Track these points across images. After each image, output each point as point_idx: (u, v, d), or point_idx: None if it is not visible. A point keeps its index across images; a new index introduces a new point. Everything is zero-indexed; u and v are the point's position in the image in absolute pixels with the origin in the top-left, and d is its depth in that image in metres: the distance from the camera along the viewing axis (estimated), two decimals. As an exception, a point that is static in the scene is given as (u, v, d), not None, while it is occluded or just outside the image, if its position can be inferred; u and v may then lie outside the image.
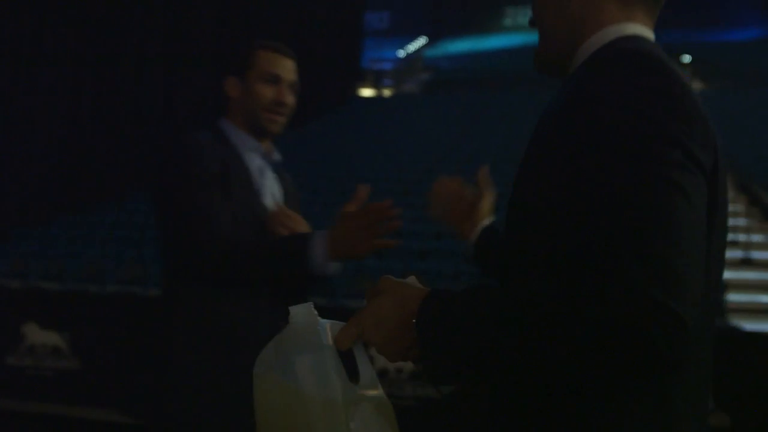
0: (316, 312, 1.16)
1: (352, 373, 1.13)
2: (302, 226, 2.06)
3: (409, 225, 8.83)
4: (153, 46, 11.66)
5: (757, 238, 8.45)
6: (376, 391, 1.14)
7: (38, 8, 9.78)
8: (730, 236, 7.75)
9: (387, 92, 22.33)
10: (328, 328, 1.14)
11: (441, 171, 9.28)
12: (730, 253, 7.61)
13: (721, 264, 1.17)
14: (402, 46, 26.08)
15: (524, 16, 28.04)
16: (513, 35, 27.04)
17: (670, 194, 0.97)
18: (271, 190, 2.15)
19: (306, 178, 11.59)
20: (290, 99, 2.14)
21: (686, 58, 20.53)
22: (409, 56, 25.25)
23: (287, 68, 2.14)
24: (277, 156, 2.20)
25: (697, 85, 19.92)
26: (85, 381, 5.33)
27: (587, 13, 1.23)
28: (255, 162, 2.13)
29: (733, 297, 6.97)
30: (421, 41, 26.89)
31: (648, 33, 1.23)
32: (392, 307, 1.11)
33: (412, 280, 1.18)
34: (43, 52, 9.88)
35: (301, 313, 1.14)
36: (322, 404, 1.08)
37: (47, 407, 5.40)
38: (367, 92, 21.58)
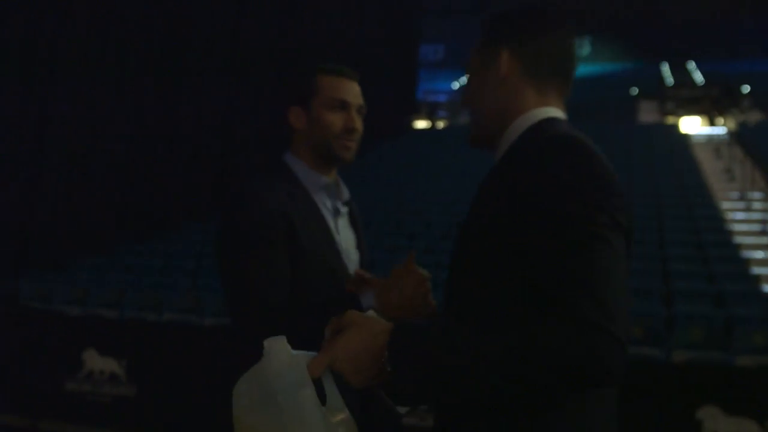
0: (289, 345, 1.23)
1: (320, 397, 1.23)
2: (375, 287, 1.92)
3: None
4: (213, 78, 11.91)
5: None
6: (344, 415, 1.23)
7: (104, 39, 10.08)
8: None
9: (441, 123, 22.38)
10: (300, 359, 1.22)
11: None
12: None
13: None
14: (456, 77, 26.15)
15: (582, 46, 27.91)
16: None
17: (602, 247, 1.24)
18: (344, 234, 2.07)
19: (360, 209, 11.64)
20: (359, 124, 2.04)
21: (745, 89, 20.17)
22: (463, 88, 25.31)
23: (353, 92, 2.04)
24: (345, 192, 2.12)
25: (755, 116, 19.53)
26: (141, 407, 5.40)
27: (510, 102, 1.49)
28: (327, 203, 2.04)
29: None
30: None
31: (560, 114, 1.51)
32: (362, 340, 1.26)
33: (372, 314, 1.33)
34: (104, 85, 10.17)
35: (276, 346, 1.21)
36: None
37: (103, 433, 5.49)
38: (421, 124, 21.66)
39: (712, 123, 19.82)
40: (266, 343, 1.22)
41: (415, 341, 1.25)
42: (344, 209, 2.12)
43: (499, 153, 1.50)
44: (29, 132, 9.43)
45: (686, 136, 17.85)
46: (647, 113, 22.76)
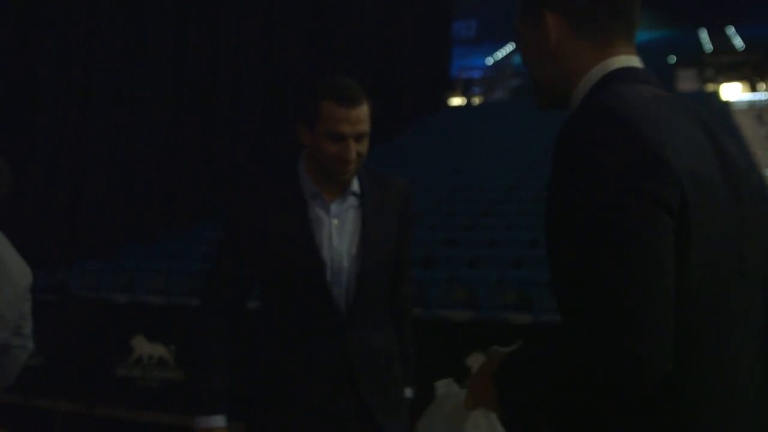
0: (455, 384, 1.42)
1: None
2: None
3: (502, 233, 8.78)
4: (250, 68, 11.99)
5: None
6: None
7: (141, 46, 10.21)
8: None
9: (476, 100, 22.26)
10: (460, 395, 1.38)
11: (534, 176, 9.24)
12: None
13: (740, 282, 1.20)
14: (490, 53, 25.95)
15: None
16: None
17: (629, 240, 1.07)
18: (336, 240, 2.21)
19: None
20: (355, 152, 2.13)
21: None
22: (497, 63, 25.11)
23: (352, 121, 2.10)
24: (350, 199, 2.25)
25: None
26: (189, 390, 5.52)
27: (569, 64, 1.35)
28: (315, 211, 2.20)
29: None
30: (509, 48, 26.70)
31: (627, 60, 1.33)
32: (484, 368, 1.31)
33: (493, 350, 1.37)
34: (146, 83, 10.30)
35: (443, 386, 1.42)
36: None
37: (154, 416, 5.61)
38: (456, 101, 21.57)
39: (753, 89, 19.44)
40: (437, 384, 1.43)
41: (509, 365, 1.24)
42: (335, 216, 2.23)
43: None
44: (74, 126, 9.60)
45: (727, 104, 17.55)
46: (686, 81, 22.38)
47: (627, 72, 1.31)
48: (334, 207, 2.21)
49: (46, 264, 8.28)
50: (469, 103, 21.71)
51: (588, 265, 1.09)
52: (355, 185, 2.25)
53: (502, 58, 25.60)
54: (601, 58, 1.33)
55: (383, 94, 15.58)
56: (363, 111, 2.13)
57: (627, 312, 1.05)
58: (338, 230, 2.20)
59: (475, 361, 4.78)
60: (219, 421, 2.22)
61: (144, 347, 5.71)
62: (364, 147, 2.16)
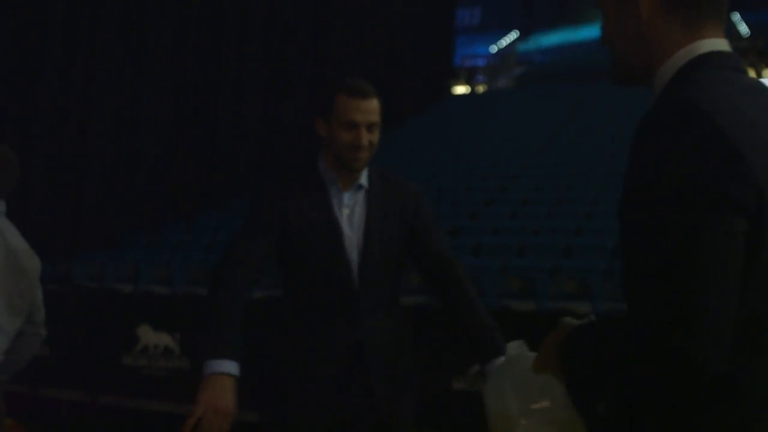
0: (525, 346, 1.48)
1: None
2: None
3: (506, 221, 8.78)
4: (253, 58, 11.97)
5: None
6: (546, 403, 1.38)
7: (143, 27, 10.20)
8: None
9: (480, 88, 22.20)
10: (530, 358, 1.42)
11: (537, 165, 9.23)
12: None
13: None
14: (494, 41, 25.87)
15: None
16: (608, 24, 26.38)
17: (695, 236, 1.08)
18: (350, 216, 2.43)
19: (404, 176, 11.65)
20: (367, 140, 2.35)
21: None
22: (501, 51, 25.03)
23: (363, 111, 2.35)
24: (361, 184, 2.46)
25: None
26: (195, 379, 5.54)
27: (655, 44, 1.32)
28: (335, 195, 2.42)
29: None
30: (513, 36, 26.61)
31: (716, 43, 1.30)
32: (554, 336, 1.34)
33: (566, 320, 1.40)
34: (150, 67, 10.30)
35: (515, 347, 1.48)
36: (500, 417, 1.41)
37: (160, 405, 5.64)
38: (460, 89, 21.51)
39: (759, 75, 19.38)
40: (508, 345, 1.49)
41: (573, 338, 1.27)
42: (346, 206, 2.44)
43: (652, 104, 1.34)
44: (76, 117, 9.61)
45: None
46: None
47: (716, 57, 1.29)
48: (346, 197, 2.42)
49: (50, 255, 8.30)
50: (472, 92, 21.65)
51: (658, 261, 1.10)
52: (365, 180, 2.45)
53: (506, 46, 25.52)
54: (689, 40, 1.30)
55: (386, 83, 15.55)
56: (373, 104, 2.37)
57: (687, 312, 1.07)
58: (348, 220, 2.40)
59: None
60: (231, 366, 2.15)
61: (150, 336, 5.73)
62: (375, 137, 2.38)
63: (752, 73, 20.05)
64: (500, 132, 14.62)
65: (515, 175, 11.10)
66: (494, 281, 6.51)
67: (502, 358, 2.20)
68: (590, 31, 26.59)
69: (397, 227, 2.45)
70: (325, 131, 2.40)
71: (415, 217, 2.49)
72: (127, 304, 6.25)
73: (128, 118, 10.07)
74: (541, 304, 5.91)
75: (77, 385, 5.87)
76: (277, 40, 12.40)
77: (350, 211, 2.42)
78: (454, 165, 12.12)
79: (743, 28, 27.33)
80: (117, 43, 9.93)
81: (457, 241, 8.14)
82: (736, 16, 29.97)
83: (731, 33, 26.61)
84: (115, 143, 9.94)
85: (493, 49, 25.01)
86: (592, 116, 14.97)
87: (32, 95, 9.15)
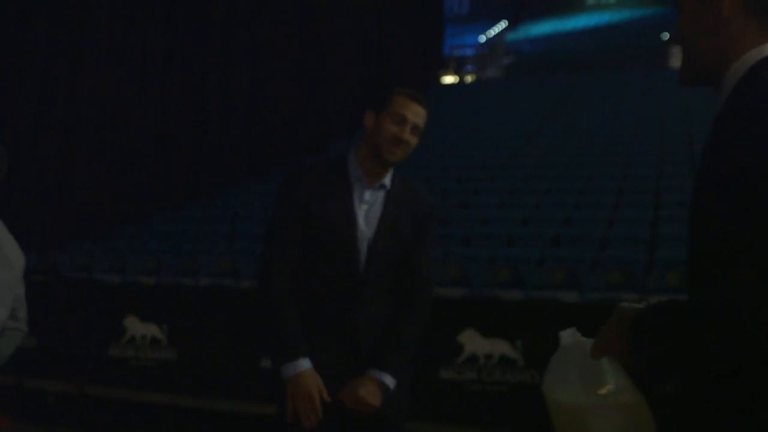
0: (578, 333, 1.46)
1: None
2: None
3: (494, 211, 8.79)
4: (240, 47, 11.91)
5: None
6: (611, 387, 1.36)
7: (132, 13, 10.12)
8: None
9: (469, 78, 22.19)
10: (586, 344, 1.41)
11: (526, 155, 9.21)
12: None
13: None
14: (483, 31, 25.84)
15: (608, -7, 27.38)
16: (595, 14, 26.41)
17: None
18: (367, 212, 2.59)
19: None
20: (410, 137, 2.55)
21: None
22: (490, 41, 25.01)
23: (414, 112, 2.56)
24: (384, 184, 2.62)
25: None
26: (182, 370, 5.53)
27: (730, 43, 1.37)
28: (358, 190, 2.59)
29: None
30: (502, 25, 26.58)
31: None
32: (614, 321, 1.34)
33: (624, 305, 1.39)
34: (135, 57, 10.23)
35: (568, 336, 1.46)
36: (568, 408, 1.39)
37: (148, 396, 5.63)
38: (449, 79, 21.50)
39: None
40: (561, 334, 1.46)
41: (645, 317, 1.28)
42: (366, 202, 2.59)
43: (721, 99, 1.40)
44: (63, 107, 9.55)
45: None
46: (680, 59, 22.30)
47: None
48: (367, 195, 2.58)
49: (37, 246, 8.26)
50: (461, 81, 21.64)
51: (741, 230, 1.14)
52: (388, 181, 2.61)
53: (494, 36, 25.49)
54: (761, 42, 1.35)
55: (375, 73, 15.51)
56: (423, 111, 2.60)
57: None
58: (365, 215, 2.56)
59: (467, 338, 4.80)
60: (305, 363, 2.39)
61: (137, 327, 5.71)
62: (414, 140, 2.57)
63: None
64: (489, 122, 14.62)
65: (504, 165, 11.10)
66: (483, 271, 6.52)
67: (383, 374, 2.44)
68: (579, 21, 26.63)
69: (407, 230, 2.59)
70: (371, 123, 2.58)
71: (419, 226, 2.63)
72: (114, 294, 6.22)
73: (115, 109, 10.00)
74: (528, 294, 5.92)
75: (64, 376, 5.84)
76: (264, 29, 12.33)
77: (369, 207, 2.58)
78: (442, 155, 12.10)
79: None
80: (104, 33, 9.85)
81: (446, 230, 8.14)
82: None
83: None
84: (103, 134, 9.88)
85: (482, 38, 24.98)
86: (580, 106, 14.99)
87: (19, 86, 9.08)
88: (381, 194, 2.61)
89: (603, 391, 1.36)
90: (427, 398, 4.86)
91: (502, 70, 22.75)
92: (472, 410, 4.75)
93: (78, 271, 7.63)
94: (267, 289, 2.49)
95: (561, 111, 14.85)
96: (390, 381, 2.46)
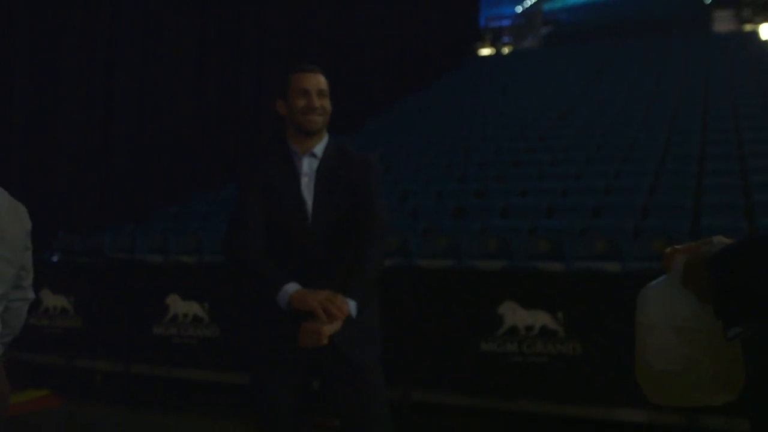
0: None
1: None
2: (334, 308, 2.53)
3: (534, 182, 8.69)
4: (275, 28, 11.90)
5: None
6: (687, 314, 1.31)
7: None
8: None
9: (506, 49, 21.92)
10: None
11: (565, 125, 9.08)
12: None
13: None
14: (519, 1, 25.48)
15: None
16: (636, -20, 25.87)
17: None
18: (307, 184, 2.73)
19: (431, 139, 11.57)
20: (320, 102, 2.73)
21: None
22: (527, 11, 24.65)
23: (312, 81, 2.74)
24: (314, 152, 2.77)
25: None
26: (224, 347, 5.58)
27: None
28: (298, 163, 2.75)
29: None
30: (538, -5, 26.19)
31: None
32: (698, 254, 1.27)
33: (719, 239, 1.32)
34: (176, 46, 10.28)
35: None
36: (656, 329, 1.34)
37: (191, 373, 5.69)
38: (485, 51, 21.26)
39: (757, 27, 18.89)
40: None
41: (731, 255, 1.20)
42: (305, 174, 2.74)
43: None
44: (103, 90, 9.65)
45: (766, 44, 17.05)
46: (722, 23, 21.78)
47: None
48: (305, 166, 2.73)
49: (81, 228, 8.39)
50: (498, 53, 21.38)
51: None
52: (319, 150, 2.77)
53: (531, 5, 25.12)
54: None
55: (412, 47, 15.40)
56: (320, 77, 2.77)
57: None
58: (306, 186, 2.72)
59: (508, 309, 4.76)
60: (293, 285, 2.54)
61: (179, 306, 5.76)
62: (326, 102, 2.75)
63: (749, 27, 19.53)
64: (527, 93, 14.44)
65: (543, 137, 10.96)
66: (522, 243, 6.45)
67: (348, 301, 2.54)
68: (617, -12, 26.07)
69: (342, 197, 2.70)
70: (284, 109, 2.77)
71: (357, 187, 2.73)
72: (156, 274, 6.28)
73: (153, 93, 10.09)
74: (569, 265, 5.85)
75: (110, 356, 5.93)
76: (297, 12, 12.30)
77: (308, 179, 2.73)
78: (481, 127, 12.00)
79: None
80: (139, 17, 9.91)
81: (485, 203, 8.07)
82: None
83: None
84: (142, 118, 9.98)
85: (519, 9, 24.64)
86: (620, 75, 14.72)
87: (58, 71, 9.18)
88: (315, 163, 2.76)
89: (677, 316, 1.32)
90: (468, 371, 4.84)
91: (540, 41, 22.44)
92: (513, 382, 4.72)
93: (121, 252, 7.74)
94: (242, 257, 2.62)
95: (601, 80, 14.61)
96: (352, 306, 2.55)
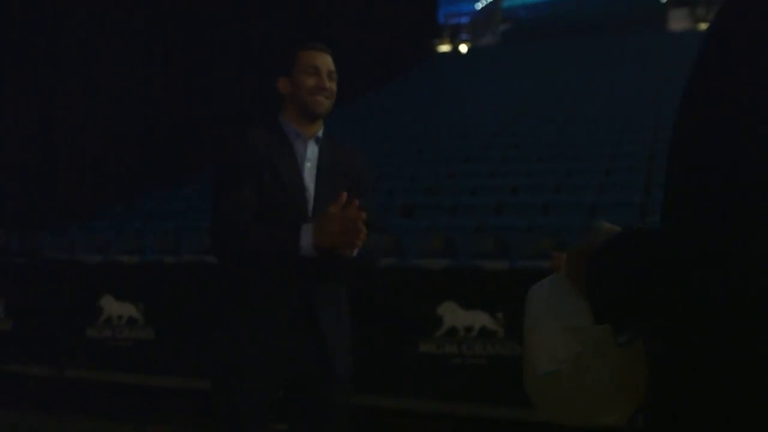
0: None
1: None
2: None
3: (484, 180, 8.63)
4: (227, 22, 11.71)
5: None
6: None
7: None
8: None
9: (464, 46, 21.92)
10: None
11: (521, 122, 9.02)
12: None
13: None
14: (479, -1, 25.52)
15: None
16: (594, -22, 26.04)
17: None
18: (310, 175, 2.55)
19: (386, 136, 11.47)
20: (330, 84, 2.54)
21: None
22: (486, 8, 24.69)
23: (324, 61, 2.55)
24: (319, 137, 2.59)
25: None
26: (160, 349, 5.42)
27: None
28: (301, 150, 2.55)
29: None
30: (498, -9, 26.23)
31: None
32: (579, 247, 1.20)
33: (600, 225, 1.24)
34: (123, 42, 10.07)
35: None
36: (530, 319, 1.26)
37: (126, 377, 5.52)
38: (444, 48, 21.23)
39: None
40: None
41: (607, 250, 1.09)
42: (308, 159, 2.56)
43: None
44: (45, 85, 9.41)
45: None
46: (677, 21, 22.00)
47: None
48: (309, 150, 2.55)
49: (19, 227, 8.16)
50: (456, 50, 21.37)
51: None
52: (321, 135, 2.59)
53: (490, 2, 25.16)
54: None
55: (370, 43, 15.30)
56: (330, 59, 2.58)
57: None
58: (309, 172, 2.54)
59: (447, 310, 4.67)
60: (306, 227, 2.34)
61: (113, 307, 5.59)
62: (334, 86, 2.57)
63: (704, 26, 19.81)
64: (484, 90, 14.42)
65: (498, 133, 10.92)
66: (468, 241, 6.37)
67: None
68: (576, -15, 26.21)
69: (342, 186, 2.49)
70: (287, 86, 2.55)
71: (357, 181, 2.59)
72: (90, 274, 6.09)
73: (98, 88, 9.85)
74: (514, 263, 5.78)
75: (42, 359, 5.74)
76: (252, 4, 12.12)
77: (311, 165, 2.55)
78: (436, 124, 11.93)
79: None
80: (85, 12, 9.68)
81: (435, 201, 7.99)
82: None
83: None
84: (86, 113, 9.73)
85: (478, 5, 24.66)
86: (574, 73, 14.75)
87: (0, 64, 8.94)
88: (317, 150, 2.59)
89: (561, 314, 1.21)
90: (406, 372, 4.74)
91: (499, 38, 22.47)
92: (452, 384, 4.63)
93: (60, 252, 7.52)
94: (240, 235, 2.40)
95: (556, 78, 14.64)
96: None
